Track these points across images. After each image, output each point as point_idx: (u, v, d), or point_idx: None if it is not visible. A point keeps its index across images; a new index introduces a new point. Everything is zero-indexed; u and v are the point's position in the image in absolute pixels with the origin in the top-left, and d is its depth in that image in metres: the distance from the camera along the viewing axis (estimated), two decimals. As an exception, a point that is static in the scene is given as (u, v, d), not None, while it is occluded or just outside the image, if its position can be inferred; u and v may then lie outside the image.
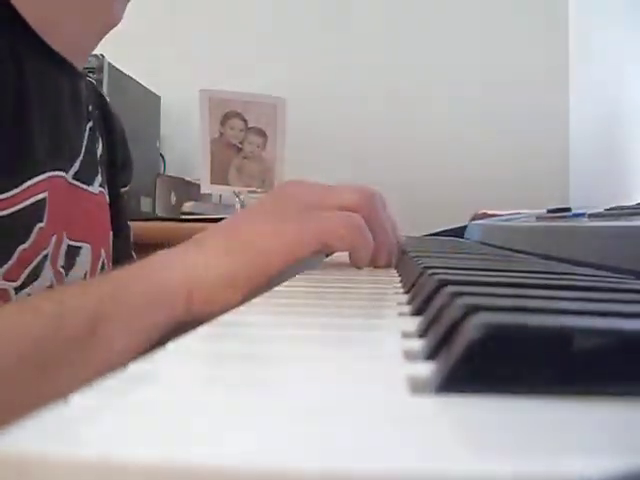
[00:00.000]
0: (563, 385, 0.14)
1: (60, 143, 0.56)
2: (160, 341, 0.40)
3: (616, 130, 1.60)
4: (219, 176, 1.70)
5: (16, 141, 0.50)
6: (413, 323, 0.23)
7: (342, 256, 0.55)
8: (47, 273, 0.53)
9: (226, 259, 0.42)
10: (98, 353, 0.38)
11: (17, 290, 0.50)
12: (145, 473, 0.10)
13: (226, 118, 1.69)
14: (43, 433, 0.11)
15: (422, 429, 0.12)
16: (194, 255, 0.43)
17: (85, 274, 0.60)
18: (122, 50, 1.70)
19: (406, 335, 0.21)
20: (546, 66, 1.97)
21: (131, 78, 1.77)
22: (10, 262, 0.49)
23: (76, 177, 0.59)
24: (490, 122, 1.99)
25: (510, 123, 1.98)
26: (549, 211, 0.77)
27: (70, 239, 0.57)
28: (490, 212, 1.28)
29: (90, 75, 1.54)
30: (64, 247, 0.56)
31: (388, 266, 0.51)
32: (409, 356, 0.18)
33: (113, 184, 0.68)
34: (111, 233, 0.66)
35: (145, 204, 1.74)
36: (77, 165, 0.59)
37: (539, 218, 0.77)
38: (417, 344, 0.19)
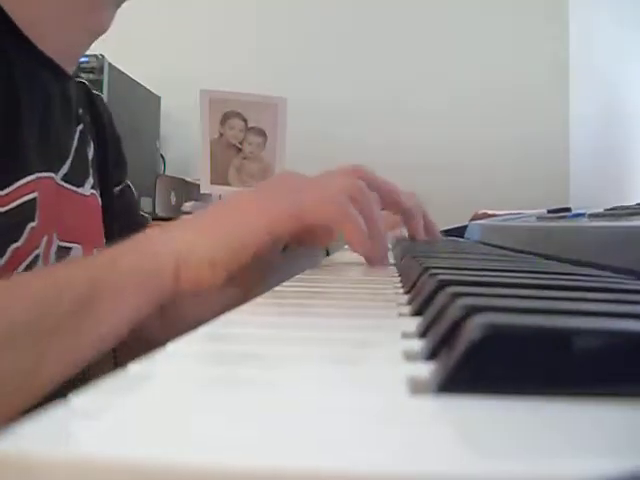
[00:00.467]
0: (563, 386, 0.14)
1: (49, 145, 0.57)
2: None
3: (616, 130, 1.60)
4: (219, 176, 1.70)
5: (6, 142, 0.51)
6: (413, 323, 0.23)
7: (342, 256, 0.55)
8: None
9: (207, 239, 0.43)
10: (91, 328, 0.39)
11: None
12: (145, 473, 0.10)
13: (226, 118, 1.69)
14: (43, 433, 0.11)
15: (422, 430, 0.12)
16: (181, 235, 0.43)
17: None
18: (122, 50, 1.70)
19: (406, 335, 0.21)
20: (546, 66, 1.97)
21: (131, 78, 1.77)
22: (2, 261, 0.49)
23: (65, 179, 0.59)
24: (490, 122, 1.99)
25: (510, 123, 1.99)
26: (549, 211, 0.77)
27: (60, 240, 0.58)
28: (490, 212, 1.28)
29: (90, 75, 1.54)
30: (54, 247, 0.57)
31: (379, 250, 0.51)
32: (409, 356, 0.18)
33: (106, 184, 0.69)
34: (103, 234, 0.67)
35: (145, 204, 1.74)
36: (66, 167, 0.60)
37: (539, 218, 0.77)
38: (417, 344, 0.19)
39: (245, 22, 2.06)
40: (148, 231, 0.45)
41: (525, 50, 2.00)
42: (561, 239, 0.56)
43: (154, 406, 0.13)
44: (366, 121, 1.98)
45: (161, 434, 0.11)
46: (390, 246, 0.70)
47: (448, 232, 1.27)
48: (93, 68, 1.57)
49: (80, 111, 0.65)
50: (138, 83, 1.83)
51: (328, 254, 0.76)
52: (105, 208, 0.67)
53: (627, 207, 0.54)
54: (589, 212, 0.60)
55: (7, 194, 0.50)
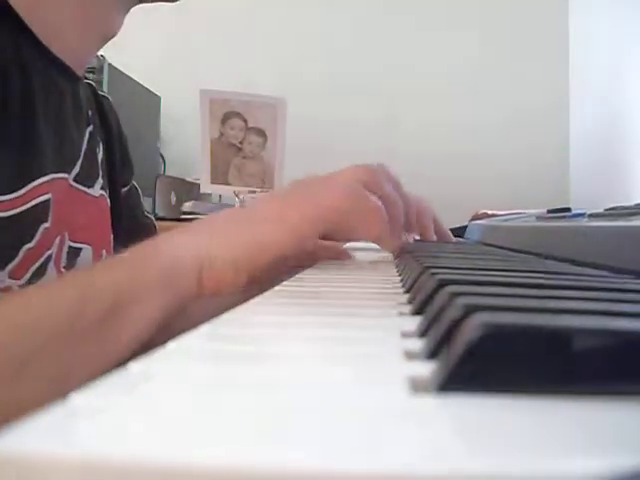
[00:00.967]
0: (563, 385, 0.14)
1: (62, 146, 0.58)
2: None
3: (616, 130, 1.60)
4: (219, 176, 1.70)
5: (22, 143, 0.51)
6: (413, 323, 0.23)
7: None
8: (51, 273, 0.54)
9: (230, 242, 0.43)
10: (117, 334, 0.39)
11: (21, 288, 0.50)
12: (146, 473, 0.10)
13: (226, 118, 1.69)
14: (44, 433, 0.11)
15: (422, 429, 0.12)
16: (204, 236, 0.43)
17: None
18: (122, 50, 1.70)
19: (406, 335, 0.21)
20: (546, 66, 1.97)
21: (131, 78, 1.77)
22: (15, 261, 0.49)
23: (77, 179, 0.60)
24: (490, 122, 1.99)
25: (510, 123, 1.99)
26: (549, 211, 0.77)
27: (71, 240, 0.58)
28: (490, 212, 1.28)
29: (90, 75, 1.54)
30: (66, 248, 0.57)
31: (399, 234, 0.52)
32: (409, 356, 0.18)
33: (114, 185, 0.69)
34: (112, 235, 0.67)
35: (145, 204, 1.74)
36: (77, 168, 0.60)
37: (539, 218, 0.77)
38: (417, 344, 0.19)
39: (245, 22, 2.06)
40: (169, 234, 0.45)
41: (525, 51, 2.00)
42: (561, 239, 0.56)
43: (154, 405, 0.13)
44: (366, 121, 1.98)
45: (161, 433, 0.11)
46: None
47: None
48: (93, 68, 1.57)
49: (89, 113, 0.65)
50: (138, 83, 1.83)
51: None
52: (113, 209, 0.68)
53: (627, 207, 0.54)
54: (589, 212, 0.60)
55: (22, 195, 0.51)
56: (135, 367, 0.16)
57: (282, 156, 1.69)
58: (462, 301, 0.19)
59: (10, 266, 0.49)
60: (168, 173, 1.97)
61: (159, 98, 1.99)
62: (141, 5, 0.61)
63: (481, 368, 0.14)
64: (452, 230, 1.27)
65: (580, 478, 0.10)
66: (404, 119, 1.99)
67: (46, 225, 0.53)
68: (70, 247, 0.58)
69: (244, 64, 2.00)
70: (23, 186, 0.51)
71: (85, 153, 0.62)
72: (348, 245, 0.67)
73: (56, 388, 0.37)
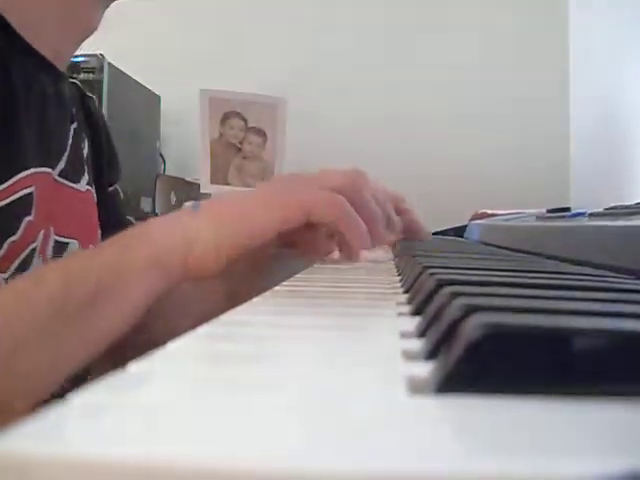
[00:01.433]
0: (562, 385, 0.14)
1: (46, 141, 0.58)
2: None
3: (616, 130, 1.60)
4: (219, 176, 1.70)
5: (4, 137, 0.52)
6: (412, 323, 0.23)
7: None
8: (36, 267, 0.55)
9: (213, 228, 0.43)
10: (103, 320, 0.40)
11: (6, 281, 0.51)
12: (145, 473, 0.10)
13: (226, 118, 1.68)
14: (43, 434, 0.11)
15: (421, 429, 0.12)
16: (188, 222, 0.44)
17: None
18: (122, 50, 1.70)
19: (405, 335, 0.21)
20: (546, 66, 1.97)
21: (131, 78, 1.77)
22: None
23: (62, 175, 0.60)
24: (490, 122, 1.99)
25: (510, 123, 1.99)
26: (549, 211, 0.77)
27: (57, 235, 0.58)
28: (490, 212, 1.28)
29: (90, 75, 1.54)
30: (51, 242, 0.57)
31: (382, 243, 0.52)
32: (408, 356, 0.18)
33: (100, 183, 0.69)
34: (99, 230, 0.67)
35: (145, 204, 1.74)
36: (62, 163, 0.61)
37: (539, 218, 0.77)
38: (416, 344, 0.19)
39: (245, 22, 2.06)
40: (157, 219, 0.45)
41: (525, 50, 2.00)
42: (561, 239, 0.56)
43: (154, 406, 0.13)
44: (366, 121, 1.98)
45: (160, 434, 0.11)
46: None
47: (448, 232, 1.27)
48: (93, 68, 1.56)
49: (74, 110, 0.65)
50: (138, 83, 1.83)
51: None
52: (99, 205, 0.68)
53: (627, 207, 0.54)
54: (589, 212, 0.60)
55: (5, 189, 0.51)
56: (134, 367, 0.16)
57: (282, 156, 1.69)
58: (461, 301, 0.19)
59: None
60: (168, 173, 1.97)
61: (159, 97, 1.99)
62: (122, 0, 0.61)
63: (480, 369, 0.14)
64: (452, 230, 1.27)
65: (580, 478, 0.10)
66: (404, 119, 1.99)
67: (29, 218, 0.54)
68: (56, 241, 0.58)
69: (244, 64, 2.00)
70: (5, 180, 0.51)
71: (70, 148, 0.62)
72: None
73: (46, 373, 0.38)
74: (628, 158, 1.50)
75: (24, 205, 0.53)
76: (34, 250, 0.54)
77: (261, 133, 1.69)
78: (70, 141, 0.63)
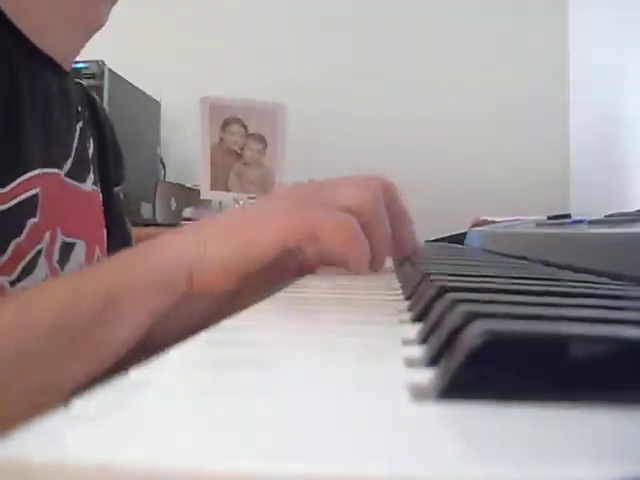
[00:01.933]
0: (563, 392, 0.14)
1: (52, 141, 0.57)
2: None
3: (617, 136, 1.60)
4: (219, 182, 1.71)
5: (9, 139, 0.51)
6: (414, 330, 0.23)
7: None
8: (42, 268, 0.54)
9: (220, 246, 0.43)
10: (109, 337, 0.40)
11: (12, 284, 0.51)
12: (145, 478, 0.10)
13: (226, 124, 1.69)
14: (44, 438, 0.11)
15: (423, 436, 0.12)
16: (194, 240, 0.44)
17: None
18: (122, 56, 1.70)
19: (407, 342, 0.21)
20: (546, 70, 1.98)
21: (131, 84, 1.77)
22: (5, 256, 0.50)
23: (68, 175, 0.60)
24: (490, 129, 1.99)
25: (510, 129, 1.99)
26: (549, 218, 0.77)
27: (64, 235, 0.58)
28: (490, 219, 1.28)
29: (91, 81, 1.54)
30: (58, 243, 0.57)
31: (377, 271, 0.50)
32: (410, 363, 0.18)
33: (106, 183, 0.69)
34: (105, 230, 0.67)
35: (145, 210, 1.74)
36: (69, 163, 0.60)
37: (539, 224, 0.77)
38: (418, 351, 0.19)
39: (245, 28, 2.06)
40: (162, 236, 0.45)
41: (525, 55, 2.00)
42: (561, 246, 0.56)
43: (154, 412, 0.13)
44: (366, 128, 1.99)
45: (161, 440, 0.11)
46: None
47: (448, 239, 1.27)
48: (93, 74, 1.57)
49: (79, 108, 0.65)
50: (138, 89, 1.83)
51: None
52: (105, 205, 0.68)
53: (627, 214, 0.54)
54: (589, 219, 0.60)
55: (9, 191, 0.51)
56: (135, 373, 0.16)
57: (282, 162, 1.69)
58: (462, 308, 0.19)
59: (0, 261, 0.49)
60: (168, 179, 1.97)
61: (159, 104, 1.99)
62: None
63: (482, 375, 0.14)
64: (452, 237, 1.27)
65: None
66: (404, 126, 1.99)
67: (34, 220, 0.53)
68: (63, 242, 0.58)
69: (244, 69, 2.01)
70: (11, 182, 0.51)
71: (76, 148, 0.62)
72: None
73: (51, 386, 0.37)
74: (628, 164, 1.50)
75: (29, 207, 0.53)
76: (40, 252, 0.54)
77: (261, 139, 1.70)
78: (76, 140, 0.63)
